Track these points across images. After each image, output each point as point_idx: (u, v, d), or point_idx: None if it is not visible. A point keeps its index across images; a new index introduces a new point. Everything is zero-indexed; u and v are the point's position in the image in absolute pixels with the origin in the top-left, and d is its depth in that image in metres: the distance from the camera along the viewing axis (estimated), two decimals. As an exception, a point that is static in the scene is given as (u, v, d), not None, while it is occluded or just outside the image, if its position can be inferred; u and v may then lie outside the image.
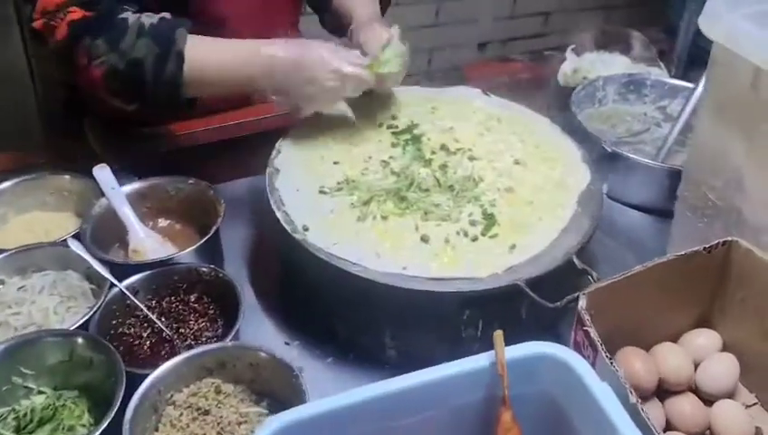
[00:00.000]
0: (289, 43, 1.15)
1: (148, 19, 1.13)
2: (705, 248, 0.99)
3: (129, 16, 1.13)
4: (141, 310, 1.05)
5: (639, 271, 0.96)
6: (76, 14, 1.11)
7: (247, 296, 1.19)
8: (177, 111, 1.23)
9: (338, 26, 1.41)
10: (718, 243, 0.99)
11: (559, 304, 0.99)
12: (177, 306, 1.09)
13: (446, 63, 2.54)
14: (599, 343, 0.87)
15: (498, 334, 0.81)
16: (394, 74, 1.21)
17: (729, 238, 1.00)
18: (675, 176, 1.26)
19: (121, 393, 0.87)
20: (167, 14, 1.15)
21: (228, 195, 1.29)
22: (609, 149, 1.38)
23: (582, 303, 0.91)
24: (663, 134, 1.58)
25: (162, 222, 1.26)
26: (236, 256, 1.26)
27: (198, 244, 1.12)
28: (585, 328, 0.88)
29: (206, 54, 1.15)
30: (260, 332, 1.13)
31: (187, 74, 1.13)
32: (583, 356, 0.89)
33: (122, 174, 1.22)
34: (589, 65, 1.64)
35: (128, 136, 1.35)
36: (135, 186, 1.22)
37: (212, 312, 1.08)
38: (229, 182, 1.38)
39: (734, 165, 1.06)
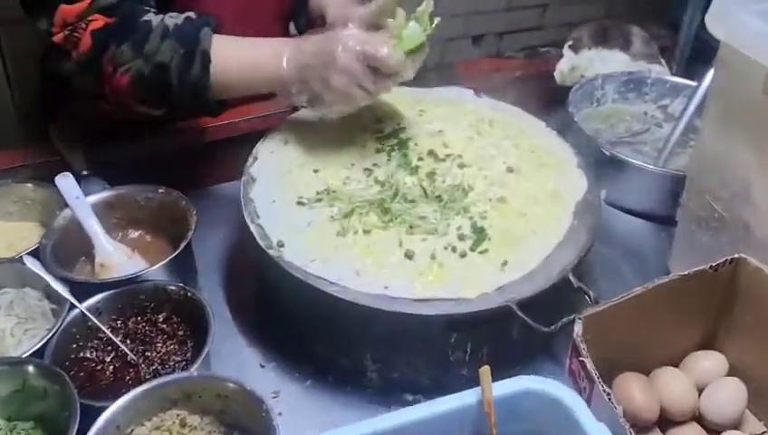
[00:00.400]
0: (313, 35, 1.10)
1: (172, 20, 1.07)
2: (710, 267, 0.92)
3: (153, 18, 1.06)
4: (104, 332, 0.97)
5: (640, 293, 0.89)
6: (98, 22, 1.04)
7: (222, 314, 1.12)
8: (207, 113, 1.17)
9: (311, 27, 1.34)
10: (725, 261, 0.92)
11: (553, 327, 0.92)
12: (144, 327, 1.01)
13: (439, 57, 2.45)
14: (595, 375, 0.80)
15: (484, 371, 0.74)
16: (419, 52, 1.10)
17: (737, 256, 0.92)
18: (677, 181, 1.19)
19: (74, 429, 0.80)
20: (191, 14, 1.09)
21: (204, 203, 1.21)
22: (608, 153, 1.31)
23: (578, 329, 0.84)
24: (664, 134, 1.51)
25: (132, 233, 1.18)
26: (211, 271, 1.18)
27: (167, 259, 1.04)
28: (581, 358, 0.81)
29: (231, 54, 1.09)
30: (234, 352, 1.06)
31: (213, 75, 1.07)
32: (578, 387, 0.83)
33: (90, 182, 1.14)
34: (587, 63, 1.56)
35: (98, 140, 1.26)
36: (102, 195, 1.14)
37: (181, 333, 1.01)
38: (205, 189, 1.30)
39: (742, 175, 0.98)
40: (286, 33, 1.46)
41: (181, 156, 1.29)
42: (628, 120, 1.57)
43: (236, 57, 1.10)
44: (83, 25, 1.04)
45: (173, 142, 1.30)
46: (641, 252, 1.28)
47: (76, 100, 1.32)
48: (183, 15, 1.08)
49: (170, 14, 1.08)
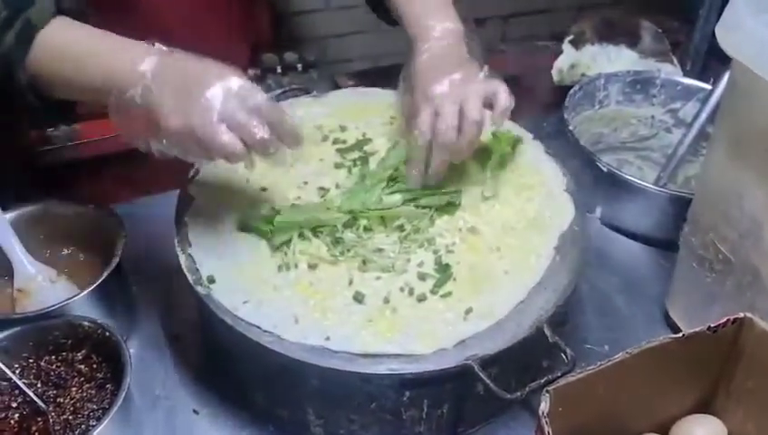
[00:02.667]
0: (181, 53, 0.82)
1: None
2: (709, 328, 0.78)
3: None
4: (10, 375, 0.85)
5: (623, 359, 0.75)
6: None
7: (158, 345, 1.01)
8: (23, 102, 0.89)
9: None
10: (727, 321, 0.78)
11: (519, 394, 0.78)
12: (59, 368, 0.89)
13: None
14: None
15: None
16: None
17: (741, 316, 0.78)
18: (682, 204, 1.04)
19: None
20: None
21: (145, 215, 1.10)
22: (605, 169, 1.16)
23: (544, 406, 0.70)
24: (673, 141, 1.36)
25: (64, 251, 1.06)
26: (151, 299, 1.05)
27: (90, 288, 0.92)
28: (545, 444, 0.68)
29: (73, 38, 0.85)
30: (164, 394, 0.94)
31: (38, 56, 0.83)
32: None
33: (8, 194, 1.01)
34: (589, 60, 1.40)
35: (14, 146, 1.13)
36: (25, 210, 1.01)
37: (101, 375, 0.89)
38: (151, 197, 1.16)
39: (752, 214, 0.83)
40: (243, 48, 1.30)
41: (124, 159, 1.15)
42: (634, 124, 1.41)
43: (77, 43, 0.85)
44: None
45: (114, 144, 1.16)
46: (638, 282, 1.14)
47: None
48: None
49: None
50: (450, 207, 0.96)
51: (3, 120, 1.07)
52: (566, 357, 0.81)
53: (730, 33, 0.76)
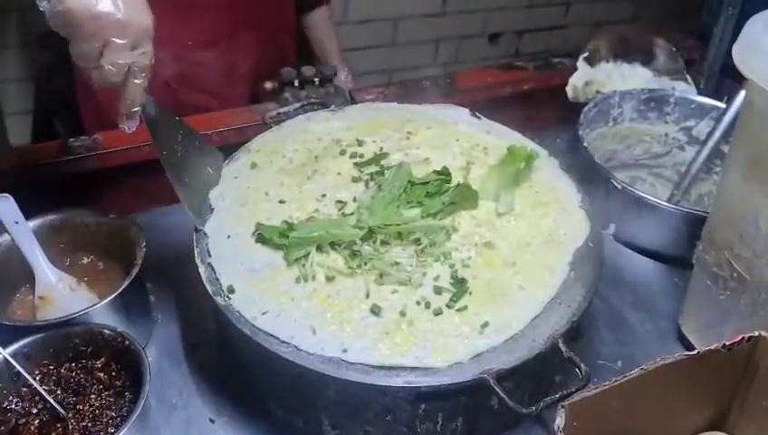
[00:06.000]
0: None
1: None
2: (723, 345, 0.78)
3: None
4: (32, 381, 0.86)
5: (638, 375, 0.75)
6: None
7: (176, 354, 1.02)
8: None
9: None
10: (741, 339, 0.78)
11: (534, 409, 0.79)
12: (78, 375, 0.91)
13: (452, 56, 2.30)
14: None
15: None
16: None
17: (756, 334, 0.78)
18: (696, 222, 1.05)
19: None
20: None
21: (164, 225, 1.11)
22: (619, 186, 1.16)
23: (560, 421, 0.71)
24: (686, 158, 1.37)
25: (83, 259, 1.07)
26: (169, 303, 1.07)
27: (110, 297, 0.93)
28: (560, 460, 0.68)
29: None
30: (181, 403, 0.95)
31: None
32: (557, 488, 0.70)
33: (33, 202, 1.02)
34: (603, 77, 1.41)
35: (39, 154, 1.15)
36: (46, 219, 1.03)
37: (119, 383, 0.90)
38: (170, 206, 1.17)
39: (768, 234, 0.84)
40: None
41: (145, 170, 1.17)
42: (648, 142, 1.42)
43: None
44: None
45: (135, 154, 1.18)
46: (651, 298, 1.15)
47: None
48: None
49: None
50: (470, 201, 0.98)
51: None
52: (580, 372, 0.81)
53: (747, 54, 0.77)
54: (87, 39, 0.78)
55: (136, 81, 0.82)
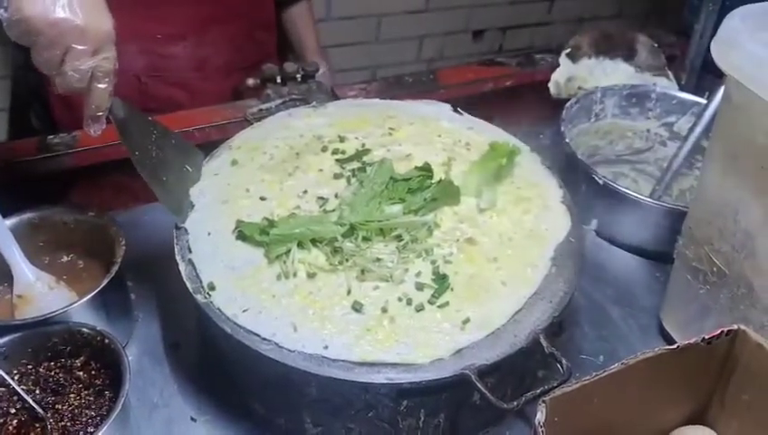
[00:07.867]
0: None
1: None
2: (703, 339, 0.78)
3: None
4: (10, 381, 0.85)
5: (619, 370, 0.75)
6: None
7: (156, 352, 1.01)
8: None
9: None
10: (721, 332, 0.79)
11: (516, 404, 0.79)
12: (57, 374, 0.90)
13: (437, 54, 2.30)
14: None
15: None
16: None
17: (735, 327, 0.79)
18: (677, 217, 1.05)
19: None
20: None
21: (145, 223, 1.10)
22: (601, 181, 1.17)
23: (540, 415, 0.71)
24: (668, 154, 1.38)
25: (63, 257, 1.06)
26: (150, 306, 1.06)
27: (85, 298, 0.92)
28: (541, 455, 0.68)
29: None
30: (162, 401, 0.95)
31: None
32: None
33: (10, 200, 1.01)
34: (585, 73, 1.42)
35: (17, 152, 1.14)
36: (24, 217, 1.02)
37: (99, 382, 0.89)
38: (150, 205, 1.17)
39: (746, 228, 0.84)
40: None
41: (125, 167, 1.16)
42: (630, 137, 1.43)
43: None
44: None
45: (115, 152, 1.17)
46: (633, 293, 1.15)
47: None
48: None
49: None
50: (452, 197, 0.97)
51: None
52: (562, 367, 0.82)
53: (725, 50, 0.77)
54: (47, 47, 0.77)
55: (100, 85, 0.82)
